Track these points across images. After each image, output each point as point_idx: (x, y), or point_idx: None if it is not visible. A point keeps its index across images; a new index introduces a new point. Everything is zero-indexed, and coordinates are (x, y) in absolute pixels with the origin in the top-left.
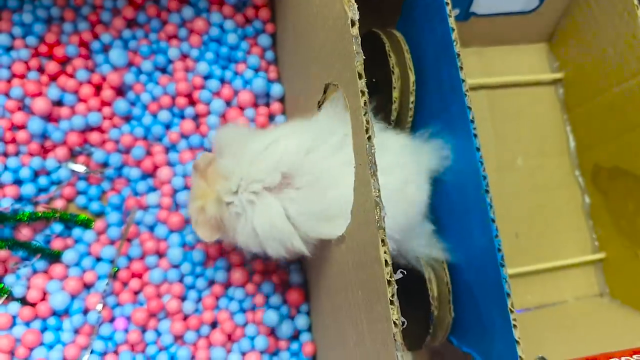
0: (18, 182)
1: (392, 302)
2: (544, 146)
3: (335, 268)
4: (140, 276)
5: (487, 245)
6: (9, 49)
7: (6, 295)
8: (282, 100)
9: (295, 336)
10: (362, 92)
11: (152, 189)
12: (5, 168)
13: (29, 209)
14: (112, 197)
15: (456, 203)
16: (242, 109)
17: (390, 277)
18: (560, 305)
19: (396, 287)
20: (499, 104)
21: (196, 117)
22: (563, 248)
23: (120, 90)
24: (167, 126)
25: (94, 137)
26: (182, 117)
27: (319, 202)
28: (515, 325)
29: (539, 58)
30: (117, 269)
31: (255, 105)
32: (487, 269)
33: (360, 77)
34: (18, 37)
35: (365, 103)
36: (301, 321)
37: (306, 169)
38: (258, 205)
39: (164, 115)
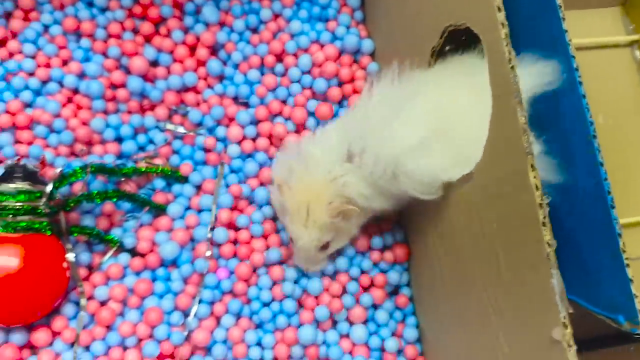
0: (119, 139)
1: (544, 224)
2: (623, 105)
3: (456, 208)
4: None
5: (594, 189)
6: (104, 9)
7: (116, 247)
8: (372, 55)
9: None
10: (503, 25)
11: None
12: (107, 125)
13: (130, 165)
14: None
15: (558, 152)
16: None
17: (541, 200)
18: None
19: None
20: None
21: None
22: None
23: (214, 50)
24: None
25: (190, 97)
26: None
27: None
28: (628, 265)
29: (614, 21)
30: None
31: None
32: (594, 213)
33: (499, 10)
34: None
35: (506, 35)
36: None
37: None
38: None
39: (254, 75)
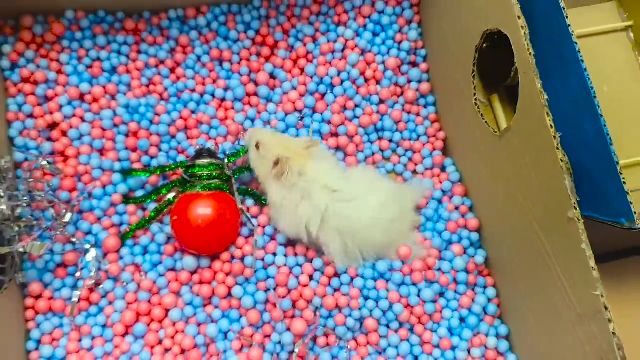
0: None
1: (557, 148)
2: (622, 75)
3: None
4: None
5: (596, 134)
6: (236, 41)
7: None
8: (425, 59)
9: None
10: (522, 27)
11: None
12: (244, 119)
13: None
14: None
15: (570, 114)
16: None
17: (554, 134)
18: None
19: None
20: (586, 48)
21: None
22: None
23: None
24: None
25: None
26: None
27: None
28: (625, 182)
29: (612, 13)
30: None
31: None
32: (598, 150)
33: (519, 18)
34: (241, 31)
35: (525, 34)
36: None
37: None
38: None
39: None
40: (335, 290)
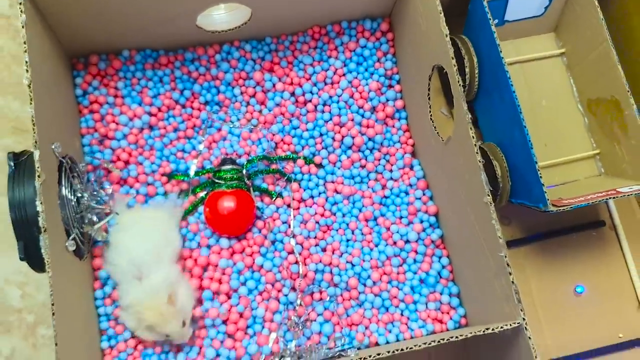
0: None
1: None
2: (558, 92)
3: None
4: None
5: (523, 140)
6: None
7: (275, 197)
8: (399, 82)
9: None
10: (454, 65)
11: None
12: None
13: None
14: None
15: (505, 125)
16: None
17: (472, 134)
18: (575, 182)
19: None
20: (528, 71)
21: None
22: (574, 148)
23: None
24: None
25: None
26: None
27: None
28: (541, 176)
29: (549, 41)
30: None
31: (381, 88)
32: (524, 153)
33: (452, 58)
34: (256, 59)
35: (456, 70)
36: None
37: None
38: None
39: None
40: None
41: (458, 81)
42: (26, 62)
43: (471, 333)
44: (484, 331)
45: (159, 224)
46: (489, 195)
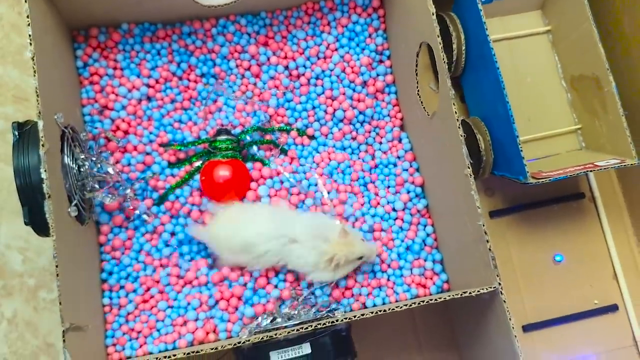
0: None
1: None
2: (543, 68)
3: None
4: None
5: (505, 115)
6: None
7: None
8: (389, 57)
9: None
10: (440, 43)
11: None
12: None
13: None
14: None
15: (490, 100)
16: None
17: (455, 110)
18: (556, 155)
19: None
20: (515, 48)
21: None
22: (557, 123)
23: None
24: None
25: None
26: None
27: None
28: (522, 150)
29: (536, 19)
30: None
31: (372, 63)
32: (506, 127)
33: (438, 36)
34: (251, 32)
35: (441, 47)
36: None
37: None
38: None
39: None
40: None
41: (443, 58)
42: (29, 35)
43: (449, 296)
44: (461, 294)
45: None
46: (469, 168)
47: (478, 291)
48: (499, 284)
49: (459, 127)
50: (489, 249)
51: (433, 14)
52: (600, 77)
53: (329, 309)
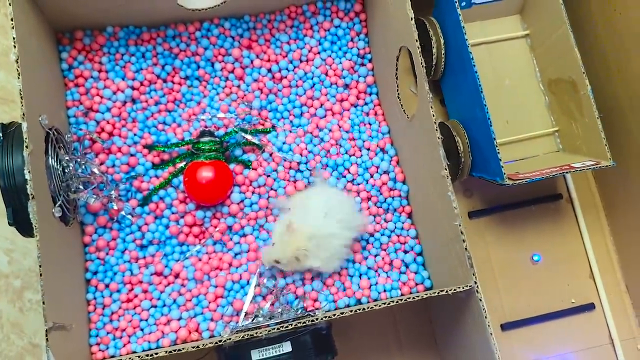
0: None
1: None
2: (521, 72)
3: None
4: None
5: (483, 118)
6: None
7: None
8: (370, 60)
9: None
10: (418, 47)
11: None
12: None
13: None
14: None
15: (468, 103)
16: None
17: (432, 112)
18: (534, 157)
19: None
20: (494, 52)
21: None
22: (535, 126)
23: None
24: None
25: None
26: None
27: None
28: (499, 152)
29: (515, 24)
30: None
31: (354, 67)
32: (484, 130)
33: (417, 40)
34: (235, 35)
35: (419, 52)
36: None
37: None
38: None
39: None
40: None
41: (421, 62)
42: (13, 38)
43: (426, 294)
44: (438, 293)
45: None
46: (446, 169)
47: (454, 290)
48: (475, 282)
49: (436, 130)
50: (465, 249)
51: (412, 19)
52: (577, 81)
53: (310, 309)
